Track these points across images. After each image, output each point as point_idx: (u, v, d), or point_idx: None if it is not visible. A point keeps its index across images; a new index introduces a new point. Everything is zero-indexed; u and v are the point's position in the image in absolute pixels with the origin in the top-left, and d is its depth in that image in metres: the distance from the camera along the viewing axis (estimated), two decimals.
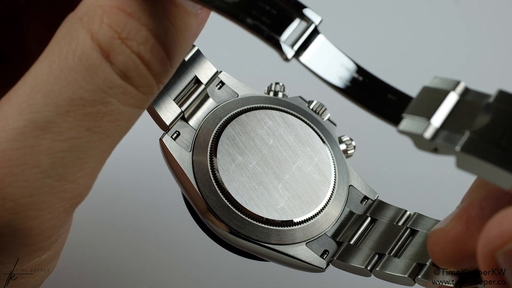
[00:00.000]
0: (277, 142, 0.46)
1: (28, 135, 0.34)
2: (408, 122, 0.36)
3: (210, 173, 0.45)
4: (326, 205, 0.46)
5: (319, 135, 0.47)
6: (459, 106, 0.36)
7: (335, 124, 0.48)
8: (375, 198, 0.47)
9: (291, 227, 0.45)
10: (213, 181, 0.45)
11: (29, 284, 0.38)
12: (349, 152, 0.48)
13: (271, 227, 0.45)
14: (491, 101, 0.35)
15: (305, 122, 0.47)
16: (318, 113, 0.48)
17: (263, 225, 0.45)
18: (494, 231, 0.33)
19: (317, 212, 0.45)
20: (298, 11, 0.37)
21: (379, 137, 0.59)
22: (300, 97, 0.48)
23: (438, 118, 0.35)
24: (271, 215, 0.45)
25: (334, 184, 0.46)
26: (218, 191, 0.45)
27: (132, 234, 0.54)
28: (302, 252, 0.45)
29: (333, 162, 0.47)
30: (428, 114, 0.35)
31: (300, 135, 0.47)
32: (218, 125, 0.46)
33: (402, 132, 0.35)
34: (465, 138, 0.34)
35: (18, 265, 0.37)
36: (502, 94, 0.35)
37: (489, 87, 0.60)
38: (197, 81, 0.46)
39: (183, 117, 0.45)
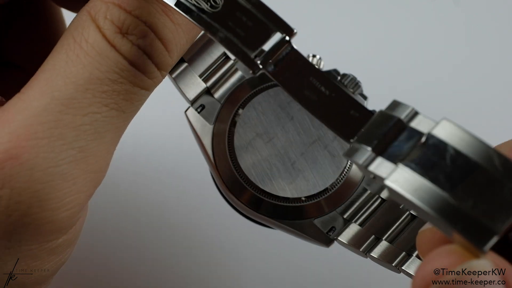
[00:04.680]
0: (299, 118, 0.47)
1: (52, 110, 0.37)
2: (353, 149, 0.36)
3: (227, 148, 0.46)
4: (339, 182, 0.47)
5: None
6: (404, 134, 0.35)
7: (365, 98, 0.49)
8: None
9: (302, 203, 0.46)
10: (229, 156, 0.46)
11: (43, 272, 0.39)
12: None
13: (282, 203, 0.46)
14: (432, 131, 0.34)
15: None
16: (348, 87, 0.48)
17: (273, 202, 0.46)
18: (419, 273, 0.33)
19: (330, 189, 0.46)
20: (273, 23, 0.37)
21: None
22: (335, 70, 0.49)
23: (379, 146, 0.35)
24: (283, 192, 0.46)
25: (349, 164, 0.47)
26: (232, 167, 0.46)
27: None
28: (309, 228, 0.47)
29: None
30: (372, 142, 0.35)
31: None
32: (242, 100, 0.47)
33: (347, 158, 0.36)
34: (397, 169, 0.34)
35: (37, 244, 0.38)
36: (445, 125, 0.34)
37: (489, 87, 0.61)
38: (226, 56, 0.47)
39: (208, 92, 0.47)
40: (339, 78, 0.48)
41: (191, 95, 0.47)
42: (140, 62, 0.38)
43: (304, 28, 0.62)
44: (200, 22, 0.37)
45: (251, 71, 0.37)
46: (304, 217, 0.46)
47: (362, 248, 0.46)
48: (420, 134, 0.34)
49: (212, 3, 0.37)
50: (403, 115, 0.35)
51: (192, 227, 0.54)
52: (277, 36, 0.37)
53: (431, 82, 0.62)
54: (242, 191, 0.46)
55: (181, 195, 0.55)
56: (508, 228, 0.32)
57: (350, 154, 0.35)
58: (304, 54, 0.50)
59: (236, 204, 0.47)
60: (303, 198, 0.46)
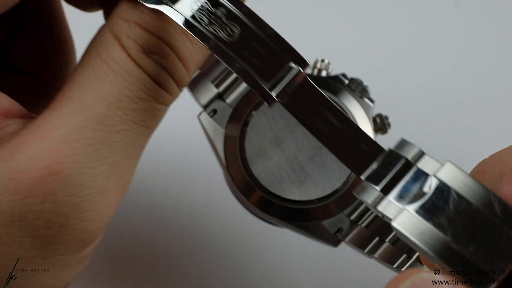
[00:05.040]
0: None
1: (87, 127, 0.38)
2: (362, 187, 0.37)
3: (238, 152, 0.48)
4: (346, 185, 0.48)
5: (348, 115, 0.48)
6: (410, 174, 0.36)
7: (372, 101, 0.50)
8: None
9: (310, 206, 0.47)
10: (240, 160, 0.47)
11: (63, 277, 0.41)
12: (383, 130, 0.50)
13: (291, 206, 0.47)
14: (437, 174, 0.35)
15: (336, 103, 0.49)
16: (355, 91, 0.49)
17: (283, 204, 0.47)
18: None
19: (337, 192, 0.47)
20: (287, 54, 0.38)
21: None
22: (343, 74, 0.50)
23: (387, 186, 0.36)
24: (292, 195, 0.47)
25: None
26: (244, 171, 0.47)
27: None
28: (318, 229, 0.48)
29: None
30: (380, 181, 0.36)
31: None
32: (253, 105, 0.48)
33: (356, 197, 0.37)
34: (403, 211, 0.35)
35: (69, 254, 0.39)
36: (449, 168, 0.35)
37: (488, 88, 0.61)
38: None
39: (220, 97, 0.48)
40: (347, 82, 0.49)
41: (204, 100, 0.48)
42: (163, 80, 0.40)
43: (305, 27, 0.63)
44: (217, 52, 0.38)
45: (266, 103, 0.38)
46: (312, 219, 0.48)
47: (366, 249, 0.47)
48: (426, 175, 0.36)
49: (229, 31, 0.38)
50: (410, 155, 0.37)
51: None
52: (291, 68, 0.38)
53: (431, 82, 0.63)
54: (253, 194, 0.47)
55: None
56: (507, 275, 0.33)
57: (359, 192, 0.37)
58: (312, 57, 0.51)
59: (247, 205, 0.48)
60: (312, 201, 0.47)
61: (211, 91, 0.48)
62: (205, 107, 0.48)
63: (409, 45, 0.64)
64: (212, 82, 0.48)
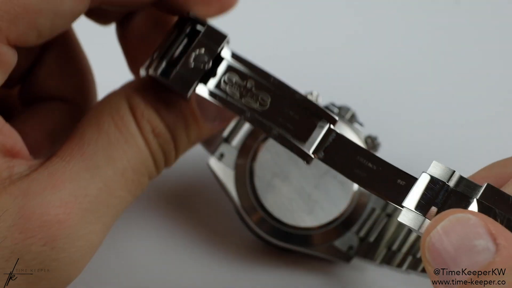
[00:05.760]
0: None
1: (94, 187, 0.42)
2: (406, 215, 0.38)
3: (249, 189, 0.51)
4: (351, 206, 0.51)
5: None
6: (452, 197, 0.38)
7: (361, 125, 0.52)
8: None
9: (321, 230, 0.51)
10: (252, 197, 0.51)
11: None
12: (373, 149, 0.52)
13: (305, 232, 0.51)
14: (478, 197, 0.37)
15: None
16: (345, 118, 0.52)
17: (297, 232, 0.51)
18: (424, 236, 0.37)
19: (344, 214, 0.51)
20: (317, 114, 0.42)
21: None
22: (332, 103, 0.53)
23: (432, 211, 0.38)
24: (303, 222, 0.50)
25: (357, 189, 0.51)
26: (257, 206, 0.51)
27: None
28: (331, 249, 0.51)
29: None
30: (424, 208, 0.38)
31: None
32: (258, 141, 0.51)
33: (402, 223, 0.39)
34: None
35: None
36: (489, 189, 0.37)
37: (488, 88, 0.62)
38: None
39: (226, 140, 0.51)
40: (337, 110, 0.52)
41: (211, 149, 0.51)
42: (159, 162, 0.44)
43: (308, 26, 0.64)
44: (254, 122, 0.42)
45: (305, 162, 0.41)
46: (325, 241, 0.51)
47: (377, 262, 0.51)
48: (468, 198, 0.38)
49: (261, 101, 0.42)
50: (447, 178, 0.39)
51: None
52: (322, 126, 0.42)
53: (431, 82, 0.63)
54: (268, 226, 0.51)
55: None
56: None
57: (404, 219, 0.39)
58: (301, 91, 0.53)
59: (263, 237, 0.51)
60: (322, 225, 0.51)
61: (217, 136, 0.51)
62: (213, 152, 0.51)
63: (409, 45, 0.64)
64: None
